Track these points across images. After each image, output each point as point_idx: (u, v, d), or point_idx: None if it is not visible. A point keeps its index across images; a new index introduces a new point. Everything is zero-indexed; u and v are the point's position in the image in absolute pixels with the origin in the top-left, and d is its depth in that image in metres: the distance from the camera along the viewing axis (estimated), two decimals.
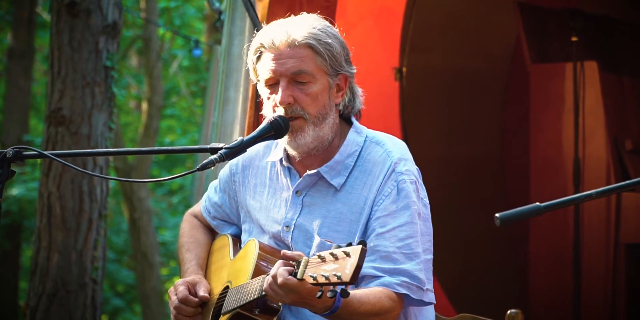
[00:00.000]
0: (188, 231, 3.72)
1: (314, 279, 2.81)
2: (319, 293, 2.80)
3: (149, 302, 14.50)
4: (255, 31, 3.42)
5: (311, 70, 3.25)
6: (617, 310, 6.35)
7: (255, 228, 3.46)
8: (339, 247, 2.82)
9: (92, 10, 6.26)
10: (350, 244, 2.80)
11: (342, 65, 3.29)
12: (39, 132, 14.62)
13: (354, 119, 3.39)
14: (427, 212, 3.31)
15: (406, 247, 3.20)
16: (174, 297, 3.46)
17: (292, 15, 3.37)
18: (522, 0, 6.90)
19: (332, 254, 2.81)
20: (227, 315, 3.30)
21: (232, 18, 5.11)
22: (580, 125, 6.52)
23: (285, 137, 3.27)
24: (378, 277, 3.17)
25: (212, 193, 3.67)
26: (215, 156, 3.11)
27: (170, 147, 3.28)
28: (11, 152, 3.06)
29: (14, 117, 13.66)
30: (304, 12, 3.37)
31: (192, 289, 3.47)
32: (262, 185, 3.47)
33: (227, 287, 3.41)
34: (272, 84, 3.29)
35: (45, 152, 3.14)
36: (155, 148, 3.39)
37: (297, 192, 3.37)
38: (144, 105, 15.77)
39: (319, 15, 3.36)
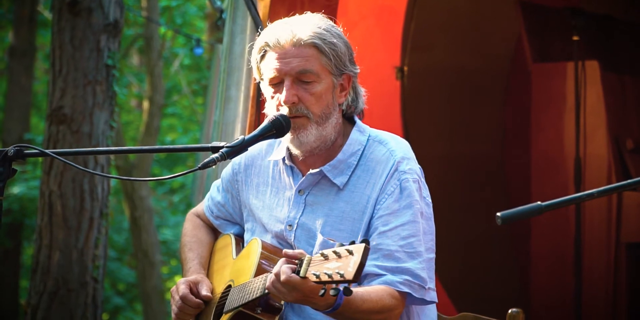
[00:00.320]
0: (190, 231, 3.73)
1: (317, 277, 2.82)
2: (322, 291, 2.81)
3: (150, 300, 14.51)
4: (258, 30, 3.42)
5: (316, 70, 3.25)
6: (618, 309, 6.35)
7: (258, 227, 3.47)
8: (342, 245, 2.82)
9: (94, 9, 6.27)
10: (353, 242, 2.81)
11: (346, 65, 3.30)
12: (40, 130, 14.63)
13: (356, 118, 3.39)
14: (429, 211, 3.31)
15: (408, 245, 3.20)
16: (176, 296, 3.47)
17: (294, 14, 3.37)
18: None
19: (335, 252, 2.81)
20: (229, 314, 3.30)
21: (234, 17, 5.11)
22: (581, 124, 6.52)
23: (288, 135, 3.27)
24: (380, 275, 3.17)
25: (214, 192, 3.67)
26: (216, 155, 3.11)
27: (171, 146, 3.28)
28: (12, 150, 3.06)
29: (15, 115, 13.67)
30: (307, 11, 3.37)
31: (194, 288, 3.48)
32: (265, 184, 3.47)
33: (229, 286, 3.41)
34: (277, 83, 3.29)
35: (46, 151, 3.14)
36: (157, 147, 3.39)
37: (299, 191, 3.37)
38: (145, 104, 15.78)
39: (323, 14, 3.36)
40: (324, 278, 2.80)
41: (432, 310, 3.39)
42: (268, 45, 3.28)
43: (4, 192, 3.04)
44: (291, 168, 3.41)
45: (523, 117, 7.01)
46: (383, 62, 6.48)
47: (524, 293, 6.91)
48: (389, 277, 3.17)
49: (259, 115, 4.86)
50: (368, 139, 3.35)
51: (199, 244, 3.67)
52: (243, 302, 3.22)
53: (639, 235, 6.33)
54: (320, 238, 3.27)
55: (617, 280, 6.35)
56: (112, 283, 17.09)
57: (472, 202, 6.96)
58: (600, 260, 6.43)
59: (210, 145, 3.17)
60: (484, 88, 7.17)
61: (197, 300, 3.45)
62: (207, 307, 3.48)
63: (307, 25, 3.27)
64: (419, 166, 3.34)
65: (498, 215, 2.65)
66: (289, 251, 2.99)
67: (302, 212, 3.35)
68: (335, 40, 3.27)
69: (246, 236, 3.53)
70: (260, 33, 3.36)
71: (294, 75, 3.25)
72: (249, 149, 3.19)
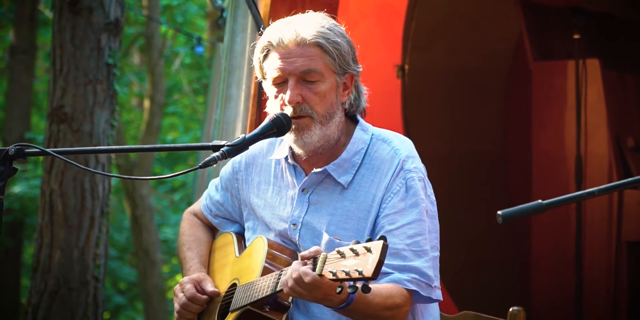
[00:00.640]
0: (188, 230, 3.72)
1: (334, 274, 2.82)
2: (339, 289, 2.81)
3: (151, 299, 14.51)
4: (260, 29, 3.42)
5: (320, 69, 3.25)
6: (619, 307, 6.35)
7: (260, 225, 3.46)
8: (358, 242, 2.82)
9: (94, 8, 6.27)
10: (370, 240, 2.80)
11: (349, 64, 3.29)
12: (41, 129, 14.62)
13: (359, 117, 3.39)
14: (434, 209, 3.32)
15: (415, 244, 3.21)
16: (180, 295, 3.46)
17: (295, 13, 3.36)
18: None
19: (352, 249, 2.81)
20: (236, 313, 3.30)
21: (235, 15, 5.11)
22: (582, 122, 6.52)
23: (292, 136, 3.27)
24: (387, 273, 3.18)
25: (213, 191, 3.67)
26: (217, 154, 3.11)
27: (172, 145, 3.29)
28: (13, 149, 3.06)
29: (16, 114, 13.66)
30: (308, 10, 3.36)
31: (198, 286, 3.48)
32: (266, 182, 3.47)
33: (234, 285, 3.41)
34: (280, 83, 3.28)
35: (47, 150, 3.14)
36: (158, 145, 3.40)
37: (303, 190, 3.36)
38: (146, 103, 15.78)
39: (325, 13, 3.36)
40: (341, 276, 2.80)
41: (435, 309, 3.40)
42: (271, 45, 3.28)
43: (4, 191, 3.04)
44: (294, 167, 3.40)
45: (524, 115, 7.02)
46: (384, 61, 6.48)
47: (525, 291, 6.91)
48: (397, 275, 3.17)
49: (259, 114, 4.86)
50: (371, 138, 3.35)
51: (198, 243, 3.67)
52: (251, 300, 3.22)
53: None
54: (325, 237, 3.27)
55: (618, 279, 6.35)
56: (113, 282, 17.10)
57: (472, 200, 6.96)
58: (601, 258, 6.43)
59: (211, 144, 3.17)
60: (484, 87, 7.18)
61: (205, 297, 3.45)
62: (210, 306, 3.47)
63: (311, 24, 3.26)
64: (423, 165, 3.34)
65: (499, 214, 2.65)
66: (305, 253, 2.99)
67: (306, 211, 3.35)
68: (338, 40, 3.26)
69: (247, 234, 3.52)
70: (262, 32, 3.36)
71: (297, 75, 3.25)
72: (250, 147, 3.19)
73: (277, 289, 3.09)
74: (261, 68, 3.34)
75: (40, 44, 15.85)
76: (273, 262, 3.28)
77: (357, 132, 3.35)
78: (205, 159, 3.08)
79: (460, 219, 6.77)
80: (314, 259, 2.94)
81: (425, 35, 6.69)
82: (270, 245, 3.33)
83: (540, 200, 2.65)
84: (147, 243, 14.26)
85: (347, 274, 2.78)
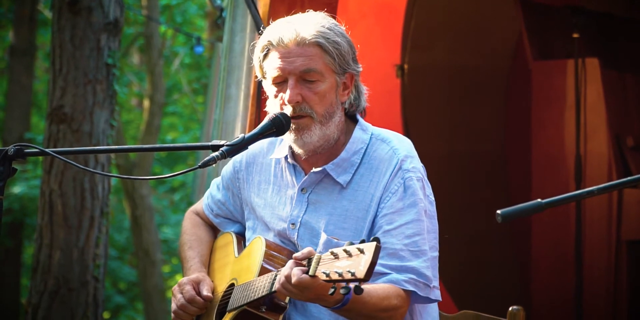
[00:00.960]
0: (190, 229, 3.72)
1: (327, 275, 2.82)
2: (332, 290, 2.81)
3: (151, 299, 14.51)
4: (261, 28, 3.41)
5: (320, 69, 3.25)
6: (619, 307, 6.35)
7: (260, 225, 3.46)
8: (352, 244, 2.82)
9: (94, 8, 6.27)
10: (364, 241, 2.81)
11: (349, 63, 3.29)
12: (41, 129, 14.63)
13: (359, 117, 3.39)
14: (433, 209, 3.31)
15: (413, 244, 3.20)
16: (179, 296, 3.46)
17: (295, 12, 3.36)
18: None
19: (345, 250, 2.81)
20: (233, 313, 3.30)
21: (234, 15, 5.11)
22: (581, 122, 6.52)
23: (292, 135, 3.27)
24: (385, 274, 3.18)
25: (214, 190, 3.67)
26: (216, 153, 3.11)
27: (172, 145, 3.29)
28: (13, 149, 3.06)
29: (15, 114, 13.66)
30: (308, 10, 3.36)
31: (196, 287, 3.47)
32: (267, 182, 3.47)
33: (232, 285, 3.41)
34: (280, 82, 3.28)
35: (46, 150, 3.14)
36: (157, 145, 3.40)
37: (302, 189, 3.36)
38: (146, 103, 15.78)
39: (325, 13, 3.35)
40: (334, 277, 2.80)
41: (434, 309, 3.39)
42: (271, 44, 3.28)
43: (4, 192, 3.03)
44: (294, 166, 3.40)
45: (523, 115, 7.01)
46: (383, 60, 6.48)
47: (525, 291, 6.91)
48: (394, 275, 3.17)
49: (259, 113, 4.86)
50: (371, 137, 3.35)
51: (199, 242, 3.67)
52: (248, 300, 3.22)
53: None
54: (324, 237, 3.27)
55: (617, 278, 6.35)
56: (113, 282, 17.09)
57: (472, 200, 6.96)
58: (601, 258, 6.43)
59: (210, 143, 3.17)
60: (484, 86, 7.18)
61: (204, 301, 3.44)
62: (209, 306, 3.47)
63: (311, 24, 3.26)
64: (422, 164, 3.34)
65: (498, 213, 2.65)
66: (298, 254, 2.99)
67: (305, 211, 3.35)
68: (338, 39, 3.26)
69: (247, 234, 3.53)
70: (262, 31, 3.36)
71: (297, 75, 3.24)
72: (250, 146, 3.20)
73: (273, 290, 3.09)
74: (261, 67, 3.33)
75: (40, 44, 15.85)
76: (271, 263, 3.29)
77: (357, 132, 3.34)
78: (205, 159, 3.08)
79: (460, 219, 6.77)
80: (309, 259, 2.94)
81: (425, 35, 6.69)
82: (268, 245, 3.33)
83: (539, 200, 2.65)
84: (147, 243, 14.26)
85: (340, 275, 2.78)
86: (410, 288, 3.17)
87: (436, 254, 3.28)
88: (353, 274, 2.75)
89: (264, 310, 3.22)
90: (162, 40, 16.29)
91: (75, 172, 6.25)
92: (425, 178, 3.32)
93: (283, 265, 3.22)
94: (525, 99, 7.00)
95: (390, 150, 3.31)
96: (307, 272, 2.91)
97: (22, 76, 13.68)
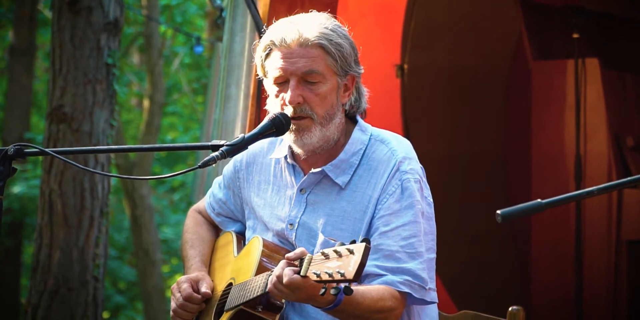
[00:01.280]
0: (192, 227, 3.72)
1: (318, 275, 2.82)
2: (322, 290, 2.81)
3: (151, 299, 14.51)
4: (263, 28, 3.41)
5: (322, 71, 3.24)
6: (619, 307, 6.35)
7: (259, 225, 3.47)
8: (343, 244, 2.82)
9: (94, 8, 6.26)
10: (354, 242, 2.81)
11: (351, 65, 3.29)
12: (41, 129, 14.63)
13: (358, 118, 3.39)
14: (430, 211, 3.31)
15: (409, 246, 3.20)
16: (177, 294, 3.46)
17: (296, 12, 3.36)
18: None
19: (335, 251, 2.82)
20: (230, 312, 3.30)
21: (234, 15, 5.11)
22: (581, 122, 6.52)
23: (292, 136, 3.27)
24: (381, 275, 3.17)
25: (216, 189, 3.67)
26: (216, 153, 3.11)
27: (171, 145, 3.29)
28: (12, 149, 3.06)
29: (15, 114, 13.66)
30: (310, 10, 3.36)
31: (194, 285, 3.48)
32: (267, 182, 3.47)
33: (230, 284, 3.41)
34: (281, 82, 3.28)
35: (46, 150, 3.14)
36: (157, 145, 3.40)
37: (301, 190, 3.36)
38: (146, 103, 15.78)
39: (329, 13, 3.35)
40: (325, 277, 2.81)
41: (432, 309, 3.39)
42: (274, 44, 3.27)
43: (4, 191, 3.03)
44: (293, 166, 3.40)
45: (523, 115, 7.01)
46: (383, 60, 6.48)
47: (525, 291, 6.91)
48: (390, 277, 3.17)
49: (259, 113, 4.86)
50: (370, 138, 3.35)
51: (201, 241, 3.67)
52: (244, 300, 3.22)
53: None
54: (321, 237, 3.27)
55: (617, 278, 6.35)
56: (113, 282, 17.09)
57: (472, 200, 6.96)
58: (600, 258, 6.43)
59: (210, 143, 3.17)
60: (484, 86, 7.18)
61: (200, 297, 3.44)
62: (208, 305, 3.48)
63: (314, 25, 3.26)
64: (421, 166, 3.33)
65: (498, 213, 2.65)
66: (291, 255, 2.99)
67: (304, 211, 3.35)
68: (341, 41, 3.26)
69: (247, 234, 3.53)
70: (265, 31, 3.35)
71: (299, 76, 3.24)
72: (251, 146, 3.20)
73: (267, 290, 3.09)
74: (263, 66, 3.33)
75: (40, 43, 15.85)
76: (268, 263, 3.29)
77: (356, 133, 3.34)
78: (205, 159, 3.08)
79: (460, 219, 6.77)
80: (301, 260, 2.94)
81: (425, 35, 6.69)
82: (266, 245, 3.34)
83: (539, 200, 2.65)
84: (147, 243, 14.26)
85: (330, 275, 2.79)
86: (406, 290, 3.16)
87: (433, 255, 3.28)
88: (343, 275, 2.76)
89: (260, 309, 3.23)
90: (162, 40, 16.28)
91: (75, 171, 6.24)
92: (424, 179, 3.32)
93: None
94: (525, 99, 7.00)
95: (389, 152, 3.30)
96: (298, 273, 2.91)
97: (22, 76, 13.68)
